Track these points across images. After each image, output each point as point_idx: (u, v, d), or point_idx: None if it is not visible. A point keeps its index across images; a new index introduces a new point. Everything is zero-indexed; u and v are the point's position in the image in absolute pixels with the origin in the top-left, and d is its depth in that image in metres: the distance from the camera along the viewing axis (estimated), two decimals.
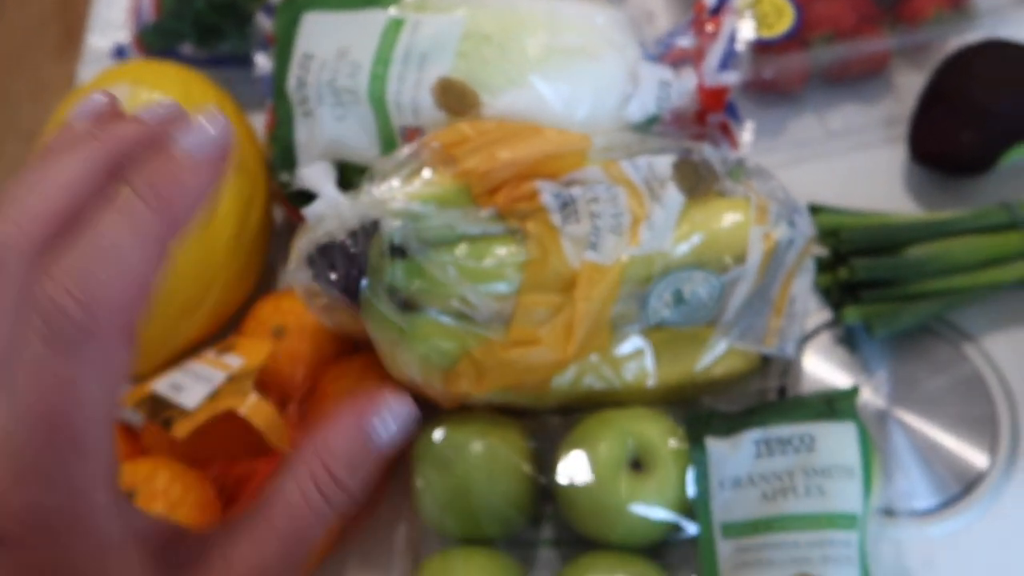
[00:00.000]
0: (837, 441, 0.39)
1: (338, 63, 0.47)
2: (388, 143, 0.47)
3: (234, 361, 0.46)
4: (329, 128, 0.47)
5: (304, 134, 0.48)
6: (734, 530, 0.39)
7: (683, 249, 0.42)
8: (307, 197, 0.49)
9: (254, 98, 0.53)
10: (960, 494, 0.43)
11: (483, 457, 0.42)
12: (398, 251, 0.39)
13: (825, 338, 0.49)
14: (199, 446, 0.45)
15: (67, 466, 0.20)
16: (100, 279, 0.19)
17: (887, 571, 0.39)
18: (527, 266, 0.41)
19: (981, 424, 0.45)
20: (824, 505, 0.38)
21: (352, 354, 0.48)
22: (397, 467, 0.48)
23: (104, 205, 0.20)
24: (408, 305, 0.40)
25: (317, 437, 0.22)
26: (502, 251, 0.41)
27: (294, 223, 0.54)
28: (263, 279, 0.55)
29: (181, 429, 0.42)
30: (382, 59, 0.47)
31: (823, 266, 0.49)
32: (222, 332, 0.52)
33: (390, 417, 0.23)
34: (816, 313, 0.49)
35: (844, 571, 0.36)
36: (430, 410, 0.45)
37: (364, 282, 0.36)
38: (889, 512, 0.42)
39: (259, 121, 0.52)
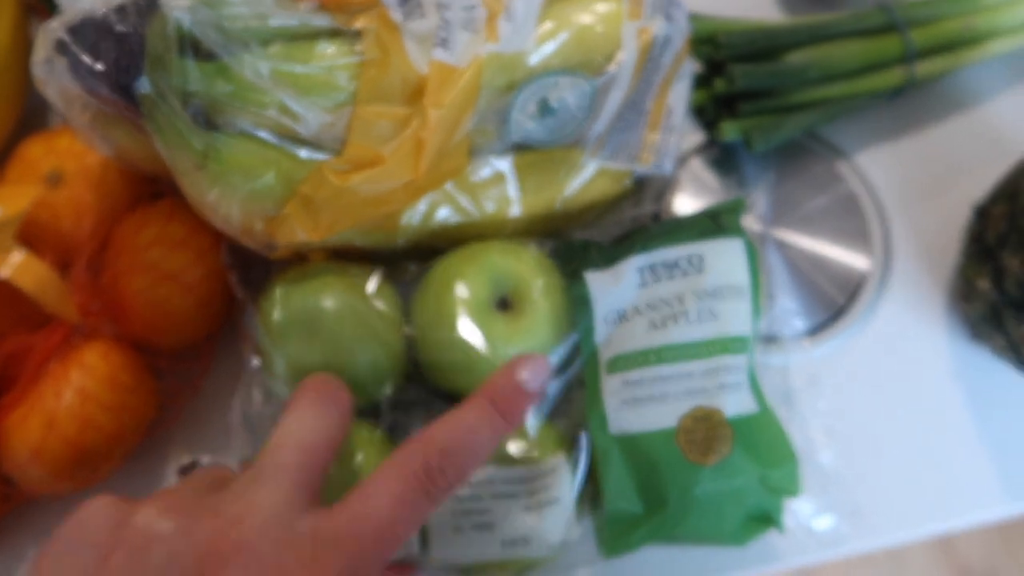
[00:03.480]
0: (726, 259, 0.35)
1: None
2: None
3: None
4: None
5: None
6: (620, 363, 0.35)
7: (548, 50, 0.35)
8: None
9: None
10: (838, 312, 0.41)
11: (359, 315, 0.35)
12: (190, 46, 0.30)
13: (699, 162, 0.45)
14: None
15: (378, 568, 0.25)
16: (467, 462, 0.26)
17: (774, 395, 0.36)
18: (363, 69, 0.33)
19: (856, 240, 0.43)
20: (717, 329, 0.34)
21: (152, 200, 0.39)
22: (222, 337, 0.40)
23: (470, 407, 0.27)
24: (210, 121, 0.31)
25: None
26: (330, 50, 0.33)
27: None
28: (27, 119, 0.44)
29: None
30: None
31: (696, 83, 0.44)
32: None
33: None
34: (688, 136, 0.45)
35: (738, 398, 0.33)
36: (264, 267, 0.37)
37: (143, 77, 0.27)
38: (771, 339, 0.40)
39: None
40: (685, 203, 0.44)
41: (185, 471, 0.28)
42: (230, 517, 0.23)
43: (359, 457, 0.34)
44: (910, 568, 1.04)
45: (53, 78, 0.27)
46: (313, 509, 0.24)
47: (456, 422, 0.26)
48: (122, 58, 0.26)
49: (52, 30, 0.27)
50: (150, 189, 0.40)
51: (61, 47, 0.26)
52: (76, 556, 0.23)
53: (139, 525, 0.23)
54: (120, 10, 0.26)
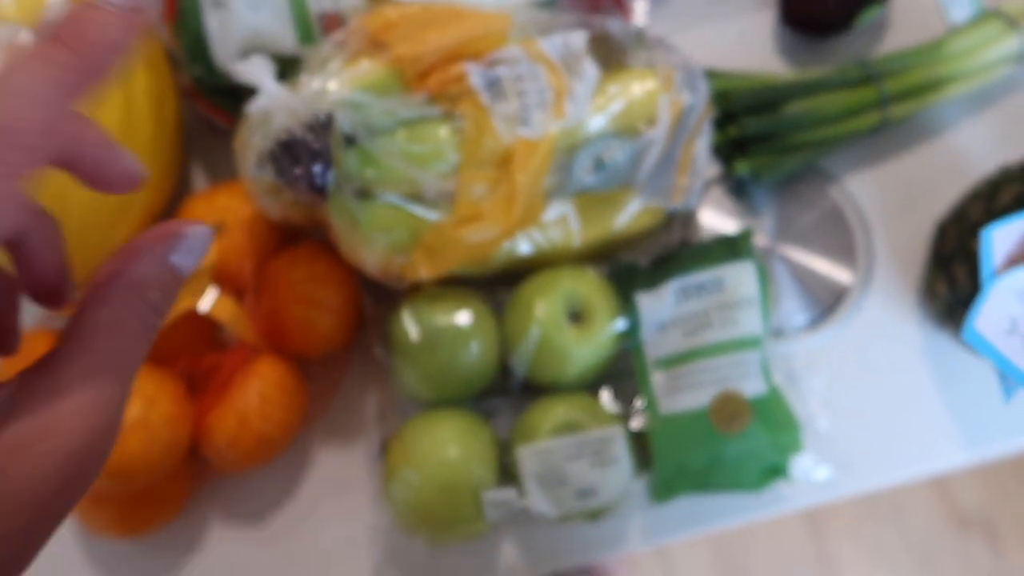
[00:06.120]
0: (740, 278, 0.46)
1: None
2: (305, 31, 0.48)
3: None
4: (245, 18, 0.46)
5: (216, 25, 0.47)
6: (664, 363, 0.46)
7: (601, 119, 0.46)
8: (225, 92, 0.49)
9: None
10: (830, 308, 0.52)
11: (468, 330, 0.46)
12: (349, 140, 0.41)
13: (717, 190, 0.56)
14: (160, 346, 0.47)
15: None
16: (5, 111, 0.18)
17: (780, 377, 0.47)
18: (464, 144, 0.44)
19: (845, 249, 0.53)
20: (735, 332, 0.45)
21: (291, 243, 0.50)
22: (355, 346, 0.51)
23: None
24: (363, 193, 0.42)
25: (126, 272, 0.22)
26: (441, 132, 0.44)
27: (204, 118, 0.53)
28: (181, 179, 0.55)
29: None
30: None
31: (714, 126, 0.55)
32: None
33: (192, 247, 0.23)
34: (709, 169, 0.56)
35: (754, 382, 0.44)
36: (385, 295, 0.49)
37: (330, 176, 0.38)
38: (777, 332, 0.51)
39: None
40: (707, 225, 0.55)
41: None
42: None
43: (470, 441, 0.46)
44: (911, 517, 1.16)
45: (263, 176, 0.38)
46: None
47: None
48: (316, 167, 0.37)
49: (264, 145, 0.38)
50: (289, 234, 0.51)
51: (273, 157, 0.37)
52: None
53: None
54: (312, 129, 0.37)
